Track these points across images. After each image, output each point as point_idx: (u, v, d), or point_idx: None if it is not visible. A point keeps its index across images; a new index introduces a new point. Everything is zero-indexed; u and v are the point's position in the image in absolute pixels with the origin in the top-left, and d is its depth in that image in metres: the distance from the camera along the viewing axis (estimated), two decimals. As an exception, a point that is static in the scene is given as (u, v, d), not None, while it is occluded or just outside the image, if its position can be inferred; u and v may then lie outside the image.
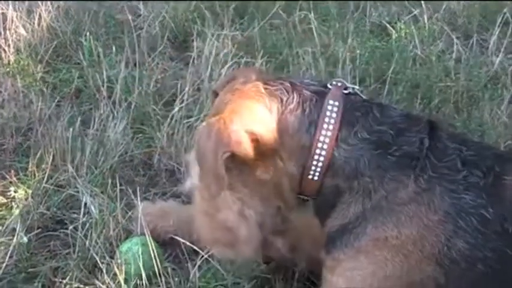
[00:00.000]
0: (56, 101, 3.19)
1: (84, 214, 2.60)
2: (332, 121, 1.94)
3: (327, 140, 1.94)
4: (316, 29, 3.44)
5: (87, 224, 2.54)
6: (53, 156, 2.83)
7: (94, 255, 2.41)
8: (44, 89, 3.26)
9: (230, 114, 1.91)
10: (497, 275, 1.92)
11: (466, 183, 1.94)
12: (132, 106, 3.07)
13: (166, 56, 3.54)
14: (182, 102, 3.02)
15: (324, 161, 1.95)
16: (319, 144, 1.94)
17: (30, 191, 2.71)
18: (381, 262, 1.95)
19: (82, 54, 3.40)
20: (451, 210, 1.93)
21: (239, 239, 2.03)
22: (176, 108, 2.98)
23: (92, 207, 2.60)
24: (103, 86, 3.16)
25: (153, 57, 3.46)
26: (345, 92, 1.99)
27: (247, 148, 1.91)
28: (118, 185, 2.68)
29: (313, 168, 1.96)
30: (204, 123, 1.96)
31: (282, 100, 1.95)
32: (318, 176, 1.97)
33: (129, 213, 2.58)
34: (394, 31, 3.55)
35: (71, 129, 2.92)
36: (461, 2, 3.83)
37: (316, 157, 1.95)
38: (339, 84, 2.01)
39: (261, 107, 1.94)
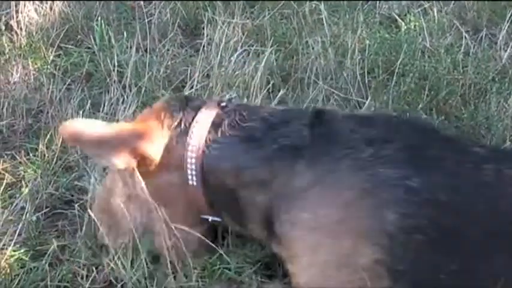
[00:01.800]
0: (67, 84, 3.21)
1: (91, 195, 2.60)
2: (201, 127, 1.99)
3: (195, 142, 1.98)
4: (326, 19, 3.46)
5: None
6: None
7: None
8: (55, 72, 3.28)
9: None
10: (438, 244, 1.73)
11: (379, 158, 1.79)
12: (142, 91, 3.10)
13: (177, 43, 3.56)
14: (192, 88, 3.05)
15: (196, 163, 1.98)
16: (190, 148, 1.98)
17: (39, 171, 2.73)
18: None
19: (93, 39, 3.42)
20: (367, 186, 1.78)
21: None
22: (185, 94, 3.00)
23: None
24: (114, 70, 3.18)
25: (163, 43, 3.48)
26: (222, 104, 2.04)
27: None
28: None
29: (189, 172, 1.99)
30: None
31: (173, 120, 2.04)
32: (197, 180, 1.99)
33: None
34: (403, 23, 3.57)
35: (81, 112, 2.95)
36: (472, -4, 3.83)
37: (189, 160, 1.98)
38: (219, 99, 2.09)
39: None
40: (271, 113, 1.98)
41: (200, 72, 3.14)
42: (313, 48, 3.30)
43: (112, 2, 3.80)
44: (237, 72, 3.10)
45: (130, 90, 3.10)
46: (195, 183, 1.99)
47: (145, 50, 3.39)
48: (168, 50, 3.43)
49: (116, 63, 3.20)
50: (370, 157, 1.79)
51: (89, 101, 3.06)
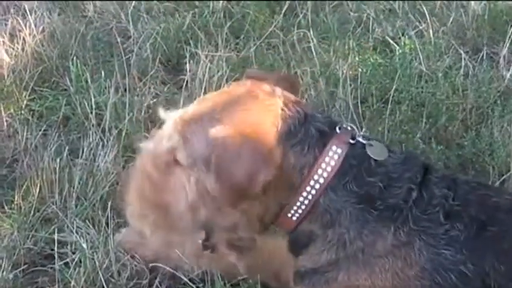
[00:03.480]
0: (43, 129, 3.23)
1: (73, 249, 2.67)
2: (328, 168, 2.03)
3: (317, 186, 2.03)
4: (316, 47, 3.51)
5: (76, 259, 2.60)
6: (40, 188, 2.88)
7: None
8: (30, 118, 3.31)
9: (260, 127, 1.98)
10: None
11: (447, 237, 2.01)
12: (123, 133, 3.11)
13: (159, 80, 3.59)
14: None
15: (307, 205, 2.04)
16: (308, 188, 2.03)
17: (16, 225, 2.75)
18: None
19: (69, 80, 3.46)
20: (428, 266, 2.00)
21: (173, 217, 2.08)
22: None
23: (82, 242, 2.64)
24: (91, 113, 3.21)
25: (144, 81, 3.51)
26: (351, 141, 2.06)
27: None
28: (109, 216, 2.73)
29: (294, 208, 2.06)
30: (221, 128, 1.99)
31: (289, 131, 2.02)
32: (298, 218, 2.07)
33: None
34: (397, 47, 3.61)
35: (59, 159, 2.97)
36: (470, 14, 3.87)
37: (301, 199, 2.04)
38: (348, 129, 2.09)
39: (272, 133, 2.01)
40: (395, 163, 2.06)
41: None
42: (302, 79, 3.33)
43: (87, 38, 3.84)
44: None
45: (110, 134, 3.12)
46: (294, 218, 2.07)
47: (125, 90, 3.42)
48: (149, 88, 3.47)
49: (94, 106, 3.24)
50: (443, 235, 2.02)
51: (67, 147, 3.08)
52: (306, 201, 2.04)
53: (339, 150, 2.04)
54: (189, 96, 3.28)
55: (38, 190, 2.85)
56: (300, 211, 2.06)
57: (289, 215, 2.07)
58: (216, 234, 2.18)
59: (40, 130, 3.22)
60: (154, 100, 3.40)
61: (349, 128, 2.09)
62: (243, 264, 2.42)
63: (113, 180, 2.95)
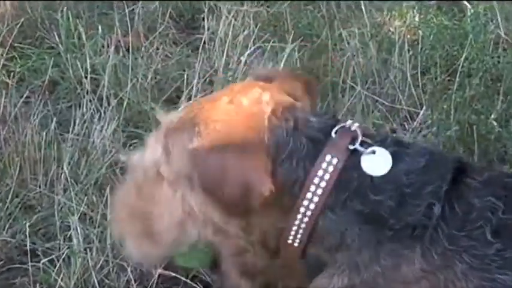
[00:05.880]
0: (24, 96, 3.24)
1: (60, 243, 2.69)
2: (322, 184, 2.02)
3: (312, 207, 2.03)
4: (366, 3, 3.51)
5: (64, 256, 2.64)
6: (20, 167, 2.90)
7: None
8: (8, 81, 3.31)
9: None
10: None
11: (501, 259, 1.95)
12: (124, 104, 3.12)
13: (169, 39, 3.59)
14: (189, 98, 3.07)
15: (305, 229, 2.06)
16: (302, 210, 2.04)
17: None
18: None
19: (57, 36, 3.46)
20: None
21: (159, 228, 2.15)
22: (181, 107, 2.98)
23: (73, 235, 2.67)
24: (86, 77, 3.21)
25: (151, 40, 3.50)
26: (351, 147, 2.05)
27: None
28: (106, 204, 2.75)
29: (292, 233, 2.08)
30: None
31: (277, 144, 2.03)
32: (299, 243, 2.09)
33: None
34: (469, 5, 3.57)
35: (44, 132, 2.98)
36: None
37: (296, 223, 2.06)
38: (350, 130, 2.07)
39: (258, 147, 2.04)
40: (412, 172, 2.05)
41: (200, 78, 3.16)
42: (348, 43, 3.33)
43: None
44: (248, 78, 2.94)
45: (109, 104, 3.13)
46: (295, 244, 2.10)
47: (127, 49, 3.39)
48: (157, 48, 3.45)
49: (89, 68, 3.23)
50: (494, 256, 1.97)
51: (54, 119, 3.09)
52: (303, 225, 2.06)
53: (334, 161, 2.03)
54: (207, 60, 3.28)
55: (17, 170, 2.88)
56: (299, 236, 2.08)
57: (289, 241, 2.09)
58: (224, 258, 2.24)
59: (21, 97, 3.23)
60: (164, 64, 3.39)
61: (352, 129, 2.07)
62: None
63: (111, 161, 2.98)
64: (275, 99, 2.10)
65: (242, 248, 2.17)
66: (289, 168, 2.03)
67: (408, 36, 3.31)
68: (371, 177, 2.03)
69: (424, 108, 3.08)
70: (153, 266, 2.62)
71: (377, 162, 2.05)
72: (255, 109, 2.06)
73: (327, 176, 2.03)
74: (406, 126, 3.14)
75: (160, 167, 2.11)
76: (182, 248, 2.18)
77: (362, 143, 2.05)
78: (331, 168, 2.03)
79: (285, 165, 2.03)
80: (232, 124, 2.04)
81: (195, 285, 2.61)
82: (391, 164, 2.04)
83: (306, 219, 2.05)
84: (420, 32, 3.37)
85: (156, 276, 2.68)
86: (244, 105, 2.07)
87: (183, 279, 2.61)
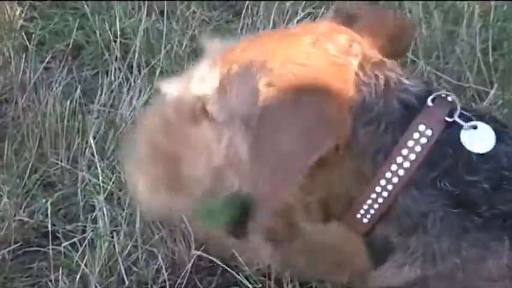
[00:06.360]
0: (46, 61, 3.24)
1: (84, 226, 2.68)
2: (412, 156, 1.95)
3: (395, 180, 1.97)
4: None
5: (88, 240, 2.61)
6: (40, 140, 2.89)
7: (96, 285, 2.51)
8: (28, 44, 3.31)
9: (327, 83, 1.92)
10: None
11: None
12: (157, 72, 3.11)
13: (207, 2, 3.61)
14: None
15: (381, 204, 1.99)
16: (383, 182, 1.97)
17: (5, 189, 2.75)
18: None
19: (83, -5, 3.49)
20: None
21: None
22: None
23: (98, 217, 2.66)
24: (114, 41, 3.23)
25: (187, 2, 3.51)
26: (448, 119, 1.98)
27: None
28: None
29: (365, 207, 2.00)
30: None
31: (363, 103, 1.96)
32: (369, 220, 2.02)
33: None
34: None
35: (68, 102, 2.96)
36: None
37: (373, 196, 1.99)
38: (447, 101, 1.99)
39: (340, 101, 1.95)
40: (510, 153, 1.97)
41: None
42: (410, 12, 3.29)
43: None
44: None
45: (139, 72, 3.12)
46: (365, 221, 2.03)
47: (161, 13, 3.40)
48: (193, 12, 3.46)
49: (118, 32, 3.23)
50: None
51: (78, 87, 3.08)
52: (380, 199, 1.98)
53: (429, 132, 1.95)
54: (250, 26, 3.27)
55: (37, 143, 2.87)
56: (372, 211, 2.00)
57: (359, 215, 2.01)
58: (257, 217, 2.16)
59: (42, 62, 3.24)
60: (201, 29, 3.38)
61: (448, 99, 1.98)
62: (277, 260, 2.41)
63: None
64: (364, 52, 2.00)
65: (290, 206, 2.09)
66: (374, 132, 1.95)
67: (477, 5, 3.22)
68: (468, 155, 1.94)
69: (495, 87, 3.00)
70: (172, 221, 2.60)
71: (479, 138, 1.97)
72: (341, 59, 1.97)
73: (417, 148, 1.94)
74: (474, 107, 2.98)
75: (207, 103, 2.00)
76: (212, 199, 2.09)
77: (461, 116, 1.96)
78: (423, 140, 1.94)
79: (371, 127, 1.95)
80: (314, 70, 1.94)
81: (235, 274, 2.56)
82: (494, 141, 1.96)
83: (384, 194, 1.97)
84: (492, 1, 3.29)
85: (190, 265, 2.64)
86: (329, 52, 1.98)
87: (222, 265, 2.58)
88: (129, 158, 2.20)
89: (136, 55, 3.17)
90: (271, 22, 3.20)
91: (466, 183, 1.93)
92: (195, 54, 3.24)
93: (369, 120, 1.94)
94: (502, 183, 1.93)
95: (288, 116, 1.89)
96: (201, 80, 2.02)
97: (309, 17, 3.28)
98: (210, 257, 2.61)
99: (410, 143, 1.94)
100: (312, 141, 1.89)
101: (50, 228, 2.67)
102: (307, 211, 2.09)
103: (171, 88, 2.08)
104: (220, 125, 1.99)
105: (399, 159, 1.94)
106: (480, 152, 1.94)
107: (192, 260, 2.63)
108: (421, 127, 1.94)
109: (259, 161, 1.93)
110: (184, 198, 2.13)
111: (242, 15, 3.32)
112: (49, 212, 2.69)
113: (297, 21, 3.19)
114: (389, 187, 1.95)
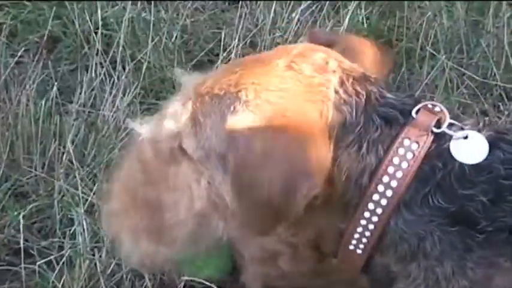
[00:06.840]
0: (18, 55, 3.19)
1: (62, 242, 2.66)
2: (399, 174, 1.96)
3: (384, 202, 1.97)
4: None
5: (66, 257, 2.61)
6: (11, 144, 2.86)
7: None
8: None
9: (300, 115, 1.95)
10: None
11: None
12: (143, 68, 3.06)
13: None
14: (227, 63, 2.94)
15: (373, 231, 2.00)
16: (371, 206, 1.98)
17: None
18: None
19: (59, -18, 3.45)
20: None
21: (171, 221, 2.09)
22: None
23: (77, 231, 2.65)
24: (95, 33, 3.16)
25: None
26: (436, 130, 1.97)
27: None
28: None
29: (356, 236, 2.02)
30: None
31: (344, 123, 1.97)
32: (363, 251, 2.03)
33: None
34: None
35: (43, 102, 2.91)
36: None
37: (363, 223, 1.99)
38: (434, 111, 1.99)
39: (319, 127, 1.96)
40: (507, 161, 1.96)
41: (240, 38, 3.08)
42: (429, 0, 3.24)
43: None
44: (301, 39, 2.99)
45: (124, 68, 3.06)
46: (359, 251, 2.02)
47: (148, 0, 3.34)
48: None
49: (100, 22, 3.16)
50: None
51: (55, 85, 3.01)
52: (371, 226, 1.99)
53: (414, 146, 1.96)
54: (249, 15, 3.21)
55: (7, 148, 2.84)
56: (364, 240, 2.01)
57: (351, 247, 2.02)
58: (247, 265, 2.24)
59: (13, 56, 3.18)
60: (193, 19, 3.34)
61: (436, 109, 1.99)
62: None
63: (126, 139, 2.87)
64: (344, 67, 2.03)
65: (276, 251, 2.18)
66: (356, 153, 1.97)
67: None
68: (460, 167, 1.96)
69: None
70: (157, 271, 2.62)
71: (470, 148, 1.99)
72: (318, 79, 2.00)
73: (404, 165, 1.96)
74: (501, 107, 3.05)
75: (183, 141, 2.03)
76: (197, 248, 2.13)
77: (450, 126, 1.98)
78: (409, 155, 1.97)
79: (352, 149, 1.97)
80: (289, 96, 1.98)
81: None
82: (487, 151, 1.97)
83: (374, 219, 1.98)
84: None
85: (181, 286, 2.62)
86: (305, 73, 2.00)
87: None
88: (108, 210, 2.22)
89: (120, 48, 3.12)
90: (272, 11, 3.17)
91: (461, 197, 1.94)
92: (187, 48, 3.25)
93: (351, 142, 1.96)
94: (502, 194, 1.93)
95: (265, 156, 1.90)
96: (174, 117, 2.05)
97: (315, 5, 3.24)
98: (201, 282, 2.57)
99: (396, 160, 1.95)
100: (290, 190, 1.90)
101: (22, 245, 2.65)
102: (296, 256, 2.17)
103: (144, 129, 2.10)
104: (198, 163, 2.03)
105: (385, 179, 1.95)
106: (472, 163, 1.95)
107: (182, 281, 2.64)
108: (406, 142, 1.96)
109: (241, 203, 1.94)
110: (167, 248, 2.14)
111: (239, 4, 3.28)
112: (21, 226, 2.68)
113: (301, 11, 3.17)
114: (379, 211, 1.96)
